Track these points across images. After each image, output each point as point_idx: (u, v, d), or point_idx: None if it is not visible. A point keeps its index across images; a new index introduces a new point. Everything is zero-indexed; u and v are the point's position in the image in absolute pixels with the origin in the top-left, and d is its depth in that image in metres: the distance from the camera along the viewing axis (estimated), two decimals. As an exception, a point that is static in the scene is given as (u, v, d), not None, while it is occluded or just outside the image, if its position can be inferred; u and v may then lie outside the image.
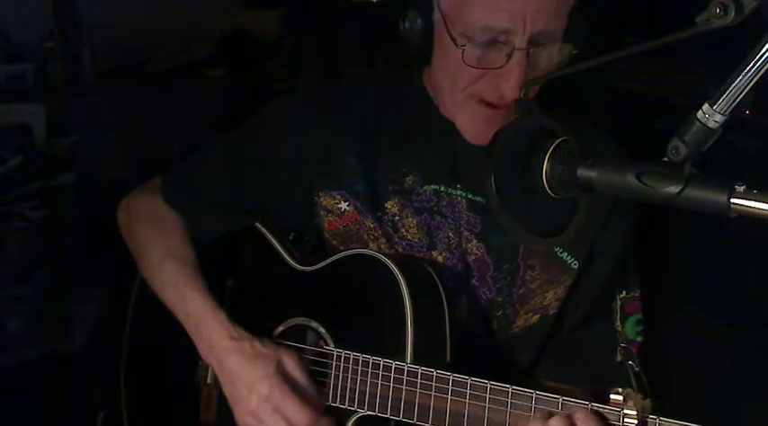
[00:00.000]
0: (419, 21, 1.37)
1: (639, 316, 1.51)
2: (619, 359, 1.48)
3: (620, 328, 1.50)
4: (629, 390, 1.16)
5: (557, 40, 1.31)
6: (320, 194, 1.49)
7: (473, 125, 1.39)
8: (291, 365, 1.41)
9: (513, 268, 1.45)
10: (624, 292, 1.51)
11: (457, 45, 1.31)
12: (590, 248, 1.46)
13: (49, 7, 3.71)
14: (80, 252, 3.04)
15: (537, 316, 1.49)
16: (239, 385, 1.41)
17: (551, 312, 1.49)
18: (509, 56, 1.29)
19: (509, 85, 1.30)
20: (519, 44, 1.28)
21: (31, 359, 2.90)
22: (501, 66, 1.30)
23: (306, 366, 1.43)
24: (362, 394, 1.37)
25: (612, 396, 1.15)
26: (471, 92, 1.36)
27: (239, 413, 1.41)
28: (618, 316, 1.50)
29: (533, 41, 1.29)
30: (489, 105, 1.35)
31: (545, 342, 1.52)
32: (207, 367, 1.56)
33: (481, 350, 1.47)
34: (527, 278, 1.46)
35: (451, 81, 1.38)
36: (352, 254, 1.45)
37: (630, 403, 1.14)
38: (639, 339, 1.51)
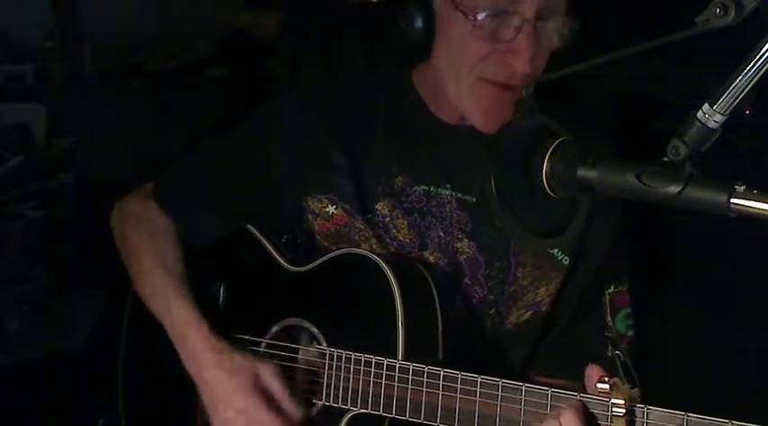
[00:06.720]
0: (419, 13, 1.36)
1: (629, 310, 1.52)
2: (610, 353, 1.48)
3: (610, 323, 1.50)
4: (615, 379, 1.16)
5: (560, 14, 1.32)
6: (308, 198, 1.49)
7: (483, 111, 1.37)
8: (268, 376, 1.41)
9: (504, 265, 1.45)
10: (612, 287, 1.51)
11: (467, 17, 1.31)
12: (579, 243, 1.46)
13: (49, 7, 3.72)
14: (80, 252, 3.04)
15: (529, 313, 1.49)
16: (215, 398, 1.42)
17: (543, 308, 1.49)
18: (518, 29, 1.30)
19: (521, 59, 1.30)
20: (528, 15, 1.29)
21: (31, 359, 2.91)
22: (511, 40, 1.31)
23: (284, 376, 1.42)
24: (355, 392, 1.37)
25: (599, 385, 1.15)
26: (479, 73, 1.35)
27: (216, 424, 1.43)
28: (608, 311, 1.50)
29: (539, 15, 1.30)
30: (498, 86, 1.35)
31: (538, 339, 1.52)
32: None
33: (475, 350, 1.47)
34: (518, 275, 1.46)
35: (457, 65, 1.36)
36: (344, 254, 1.44)
37: (617, 393, 1.14)
38: (630, 332, 1.51)
